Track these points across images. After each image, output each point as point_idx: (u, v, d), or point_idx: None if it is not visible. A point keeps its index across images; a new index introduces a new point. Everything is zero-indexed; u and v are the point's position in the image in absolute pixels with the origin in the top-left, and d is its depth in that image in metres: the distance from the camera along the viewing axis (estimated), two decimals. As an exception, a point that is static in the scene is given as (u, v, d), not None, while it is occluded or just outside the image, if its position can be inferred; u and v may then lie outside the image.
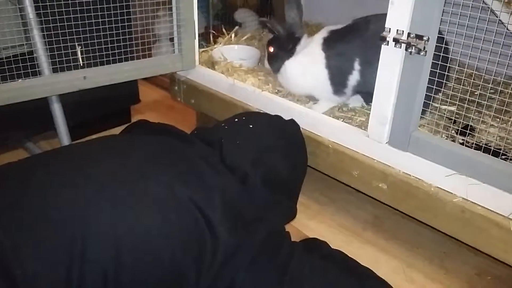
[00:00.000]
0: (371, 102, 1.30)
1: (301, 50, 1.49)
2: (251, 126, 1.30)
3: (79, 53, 1.45)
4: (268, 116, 1.46)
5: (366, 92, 1.43)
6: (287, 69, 1.49)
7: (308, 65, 1.45)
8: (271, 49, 1.53)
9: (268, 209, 1.21)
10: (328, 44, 1.43)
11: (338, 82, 1.42)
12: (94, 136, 1.90)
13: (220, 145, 1.22)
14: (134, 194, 0.97)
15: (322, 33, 1.47)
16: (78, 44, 1.43)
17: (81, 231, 0.87)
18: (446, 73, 1.20)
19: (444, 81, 1.15)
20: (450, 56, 1.17)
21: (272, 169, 1.26)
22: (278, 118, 1.41)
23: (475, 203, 1.12)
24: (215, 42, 1.95)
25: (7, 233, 0.84)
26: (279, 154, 1.28)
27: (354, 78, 1.40)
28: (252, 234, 1.06)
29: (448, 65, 1.19)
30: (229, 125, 1.33)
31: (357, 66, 1.38)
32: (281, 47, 1.50)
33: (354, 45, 1.38)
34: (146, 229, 0.93)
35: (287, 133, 1.36)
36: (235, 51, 1.84)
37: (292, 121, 1.40)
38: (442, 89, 1.20)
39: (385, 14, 1.24)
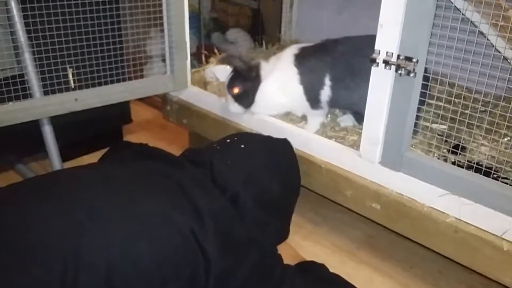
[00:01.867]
0: (362, 121, 1.31)
1: (268, 72, 1.48)
2: (242, 146, 1.30)
3: (70, 75, 1.45)
4: (260, 136, 1.46)
5: (339, 106, 1.52)
6: (264, 93, 1.48)
7: (283, 83, 1.46)
8: (236, 89, 1.47)
9: (260, 229, 1.20)
10: (300, 60, 1.44)
11: (312, 97, 1.45)
12: (85, 157, 1.91)
13: (211, 165, 1.22)
14: (125, 219, 0.96)
15: (291, 50, 1.47)
16: (69, 67, 1.44)
17: (73, 258, 0.87)
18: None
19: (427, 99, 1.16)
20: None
21: (264, 189, 1.25)
22: (270, 138, 1.41)
23: (468, 223, 1.12)
24: (207, 62, 1.95)
25: (4, 266, 0.83)
26: (271, 174, 1.28)
27: (325, 93, 1.43)
28: (244, 257, 1.06)
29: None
30: (221, 145, 1.33)
31: (327, 81, 1.42)
32: (245, 80, 1.47)
33: (325, 62, 1.42)
34: (138, 254, 0.93)
35: (279, 153, 1.36)
36: (227, 71, 1.84)
37: (284, 141, 1.40)
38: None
39: (355, 37, 1.43)
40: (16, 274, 0.84)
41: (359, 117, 1.45)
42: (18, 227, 0.91)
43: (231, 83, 1.48)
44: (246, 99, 1.49)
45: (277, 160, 1.35)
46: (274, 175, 1.29)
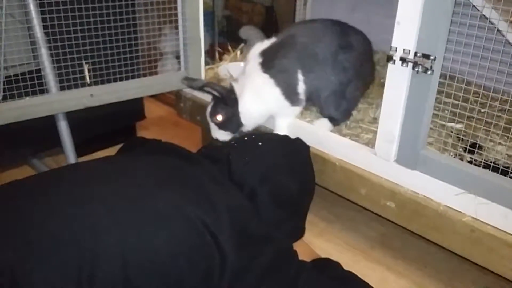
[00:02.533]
0: (338, 124, 1.49)
1: (241, 90, 1.45)
2: (260, 143, 1.30)
3: (86, 71, 1.46)
4: (277, 135, 1.46)
5: (317, 101, 1.51)
6: (246, 112, 1.44)
7: (259, 92, 1.43)
8: (219, 117, 1.43)
9: (276, 226, 1.20)
10: (267, 65, 1.43)
11: (291, 94, 1.44)
12: (99, 152, 1.92)
13: (228, 161, 1.22)
14: (141, 212, 0.97)
15: (255, 59, 1.46)
16: (85, 62, 1.44)
17: (89, 251, 0.87)
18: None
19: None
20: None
21: (280, 186, 1.25)
22: (286, 137, 1.41)
23: (484, 222, 1.11)
24: (220, 59, 1.96)
25: (18, 255, 0.84)
26: (287, 172, 1.28)
27: (301, 87, 1.44)
28: (260, 253, 1.05)
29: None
30: (238, 143, 1.33)
31: (300, 76, 1.42)
32: (226, 105, 1.43)
33: (291, 58, 1.43)
34: (154, 248, 0.93)
35: (295, 152, 1.36)
36: (241, 68, 1.85)
37: (300, 140, 1.40)
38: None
39: (303, 24, 1.57)
40: (33, 267, 0.84)
41: (335, 120, 1.49)
42: (36, 220, 0.91)
43: (213, 112, 1.44)
44: (230, 124, 1.45)
45: (294, 159, 1.35)
46: (290, 174, 1.29)
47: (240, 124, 1.46)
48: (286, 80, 1.42)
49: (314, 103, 1.54)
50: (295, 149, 1.37)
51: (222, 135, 1.47)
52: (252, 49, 1.51)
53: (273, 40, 1.50)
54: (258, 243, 1.08)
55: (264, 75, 1.42)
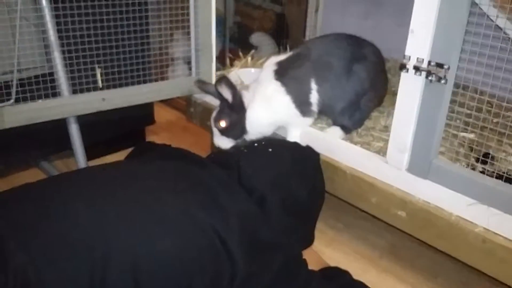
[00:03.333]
0: (350, 132, 1.48)
1: (251, 98, 1.44)
2: (270, 150, 1.30)
3: (98, 75, 1.47)
4: (287, 142, 1.46)
5: (330, 111, 1.49)
6: (253, 120, 1.43)
7: (269, 100, 1.42)
8: (224, 122, 1.41)
9: (285, 234, 1.20)
10: (280, 73, 1.42)
11: (302, 103, 1.43)
12: (109, 156, 1.93)
13: (238, 167, 1.22)
14: (152, 218, 0.97)
15: (269, 68, 1.46)
16: (98, 66, 1.45)
17: (101, 255, 0.88)
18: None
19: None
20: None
21: (290, 194, 1.25)
22: (297, 144, 1.41)
23: (496, 233, 1.10)
24: (231, 65, 1.96)
25: (31, 258, 0.84)
26: (298, 180, 1.28)
27: (314, 97, 1.43)
28: (270, 261, 1.05)
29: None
30: (248, 148, 1.33)
31: (314, 85, 1.42)
32: (231, 113, 1.42)
33: (305, 68, 1.43)
34: (164, 253, 0.94)
35: (306, 159, 1.36)
36: (252, 74, 1.85)
37: (310, 148, 1.40)
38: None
39: (319, 38, 1.57)
40: (44, 268, 0.84)
41: (347, 128, 1.48)
42: (48, 224, 0.92)
43: (217, 117, 1.43)
44: (234, 131, 1.43)
45: (304, 166, 1.35)
46: (300, 181, 1.29)
47: (244, 131, 1.44)
48: (298, 88, 1.42)
49: (327, 114, 1.53)
50: (306, 156, 1.37)
51: (224, 142, 1.45)
52: (268, 60, 1.51)
53: (289, 53, 1.50)
54: (267, 250, 1.07)
55: (276, 82, 1.42)
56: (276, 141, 1.45)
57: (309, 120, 1.47)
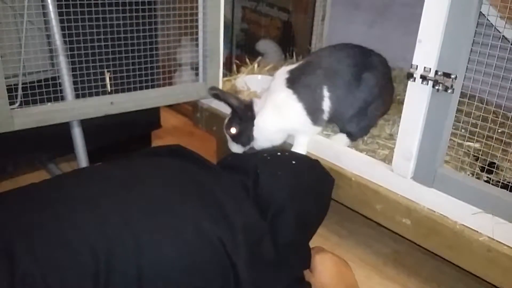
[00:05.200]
0: (356, 139, 1.50)
1: (262, 106, 1.47)
2: (293, 162, 1.30)
3: (107, 79, 1.49)
4: (308, 158, 1.43)
5: (339, 118, 1.51)
6: (261, 127, 1.45)
7: (280, 108, 1.43)
8: (234, 129, 1.47)
9: (292, 251, 1.18)
10: (292, 81, 1.43)
11: (314, 111, 1.43)
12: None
13: (256, 174, 1.19)
14: (158, 226, 0.96)
15: (281, 76, 1.47)
16: (107, 71, 1.47)
17: (105, 263, 0.87)
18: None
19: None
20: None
21: (305, 208, 1.23)
22: (318, 163, 1.40)
23: (501, 243, 1.10)
24: (238, 72, 1.98)
25: (38, 264, 0.84)
26: (314, 198, 1.28)
27: (326, 104, 1.44)
28: (277, 280, 1.05)
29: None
30: (271, 156, 1.31)
31: (326, 93, 1.43)
32: (241, 121, 1.46)
33: (317, 75, 1.44)
34: (169, 263, 0.93)
35: (323, 181, 1.37)
36: (258, 81, 1.87)
37: (328, 172, 1.40)
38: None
39: (329, 48, 1.56)
40: (50, 274, 0.84)
41: (352, 135, 1.50)
42: (52, 227, 0.91)
43: (228, 125, 1.49)
44: (243, 138, 1.48)
45: (321, 188, 1.35)
46: (315, 201, 1.29)
47: (251, 138, 1.47)
48: (310, 95, 1.42)
49: (336, 121, 1.54)
50: (324, 178, 1.37)
51: (236, 148, 1.51)
52: (280, 69, 1.52)
53: (299, 62, 1.52)
54: (272, 265, 1.07)
55: (288, 90, 1.42)
56: (299, 155, 1.42)
57: (318, 129, 1.48)
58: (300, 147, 1.49)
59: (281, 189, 1.19)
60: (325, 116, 1.45)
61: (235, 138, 1.48)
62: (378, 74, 1.47)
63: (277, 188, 1.18)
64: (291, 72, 1.46)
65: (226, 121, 1.50)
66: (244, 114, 1.45)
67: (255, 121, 1.45)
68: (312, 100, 1.43)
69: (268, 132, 1.46)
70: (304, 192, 1.24)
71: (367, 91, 1.44)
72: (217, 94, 1.50)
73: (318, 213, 1.32)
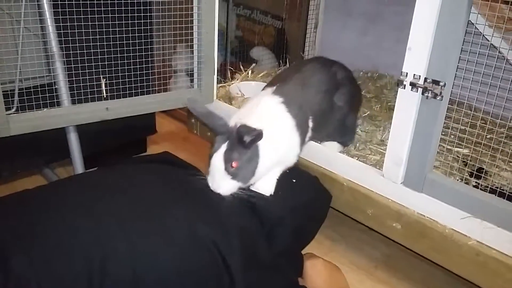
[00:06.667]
0: (348, 145, 1.51)
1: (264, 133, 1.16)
2: (294, 181, 1.32)
3: (103, 85, 1.50)
4: (309, 175, 1.44)
5: (319, 138, 1.45)
6: (262, 154, 1.16)
7: (281, 132, 1.22)
8: (235, 163, 1.12)
9: (286, 258, 1.20)
10: (288, 103, 1.25)
11: (303, 141, 1.31)
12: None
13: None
14: (152, 230, 0.97)
15: (274, 100, 1.26)
16: (103, 77, 1.48)
17: (99, 268, 0.88)
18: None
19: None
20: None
21: (302, 225, 1.28)
22: (316, 179, 1.43)
23: (490, 247, 1.13)
24: (232, 78, 2.00)
25: (33, 267, 0.85)
26: (310, 215, 1.34)
27: (308, 136, 1.35)
28: (270, 281, 1.07)
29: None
30: None
31: (310, 123, 1.33)
32: (244, 150, 1.14)
33: (304, 106, 1.30)
34: (164, 268, 0.94)
35: (320, 198, 1.41)
36: (252, 87, 1.89)
37: (325, 189, 1.43)
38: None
39: (299, 71, 1.41)
40: (44, 278, 0.85)
41: (342, 143, 1.52)
42: (46, 231, 0.92)
43: (228, 156, 1.13)
44: (243, 172, 1.15)
45: (318, 202, 1.41)
46: (312, 215, 1.35)
47: (252, 174, 1.17)
48: (302, 117, 1.29)
49: (318, 139, 1.47)
50: (322, 196, 1.42)
51: (232, 186, 1.15)
52: (264, 91, 1.36)
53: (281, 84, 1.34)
54: (267, 270, 1.09)
55: (287, 115, 1.24)
56: (299, 173, 1.39)
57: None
58: (269, 187, 1.26)
59: (281, 208, 1.21)
60: (307, 140, 1.36)
61: (234, 174, 1.14)
62: (345, 91, 1.45)
63: (277, 207, 1.21)
64: (284, 94, 1.28)
65: (218, 150, 1.15)
66: (239, 143, 1.13)
67: (260, 153, 1.16)
68: (303, 129, 1.30)
69: (268, 165, 1.20)
70: (302, 209, 1.28)
71: (341, 111, 1.45)
72: (194, 106, 1.22)
73: (314, 227, 1.38)
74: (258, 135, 1.11)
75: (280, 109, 1.24)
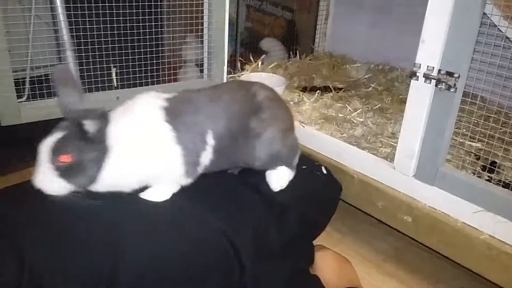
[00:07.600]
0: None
1: (122, 135, 0.98)
2: (304, 167, 1.32)
3: (114, 74, 1.50)
4: (320, 164, 1.44)
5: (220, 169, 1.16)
6: (116, 166, 0.97)
7: (150, 146, 1.00)
8: (69, 157, 0.92)
9: (294, 245, 1.21)
10: (173, 114, 1.03)
11: (192, 161, 1.05)
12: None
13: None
14: (164, 223, 0.99)
15: (154, 104, 1.04)
16: (113, 66, 1.48)
17: (110, 259, 0.89)
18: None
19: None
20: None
21: (309, 213, 1.27)
22: (326, 169, 1.42)
23: (502, 241, 1.12)
24: (242, 69, 1.99)
25: (45, 259, 0.87)
26: (318, 203, 1.33)
27: (207, 156, 1.08)
28: (280, 267, 1.07)
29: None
30: None
31: (210, 140, 1.07)
32: (85, 145, 0.94)
33: (204, 114, 1.07)
34: (170, 260, 0.95)
35: (331, 189, 1.41)
36: (262, 79, 1.87)
37: (336, 180, 1.42)
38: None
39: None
40: (55, 271, 0.86)
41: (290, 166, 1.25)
42: (56, 226, 0.93)
43: (58, 148, 0.92)
44: (80, 173, 0.94)
45: (328, 193, 1.40)
46: (320, 204, 1.35)
47: (94, 178, 0.96)
48: (192, 139, 1.05)
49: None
50: (332, 185, 1.41)
51: (59, 187, 0.94)
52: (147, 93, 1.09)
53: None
54: (276, 258, 1.09)
55: (167, 125, 1.02)
56: (307, 160, 1.40)
57: (188, 181, 1.08)
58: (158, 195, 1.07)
59: (290, 195, 1.21)
60: (200, 169, 1.09)
61: (64, 171, 0.93)
62: (270, 113, 1.15)
63: (285, 193, 1.21)
64: (171, 100, 1.06)
65: (46, 139, 0.94)
66: (91, 135, 0.94)
67: (111, 155, 0.96)
68: (193, 146, 1.05)
69: (124, 175, 1.00)
70: (307, 198, 1.28)
71: (270, 147, 1.15)
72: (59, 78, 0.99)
73: (322, 216, 1.37)
74: (102, 114, 0.95)
75: (158, 115, 1.01)
